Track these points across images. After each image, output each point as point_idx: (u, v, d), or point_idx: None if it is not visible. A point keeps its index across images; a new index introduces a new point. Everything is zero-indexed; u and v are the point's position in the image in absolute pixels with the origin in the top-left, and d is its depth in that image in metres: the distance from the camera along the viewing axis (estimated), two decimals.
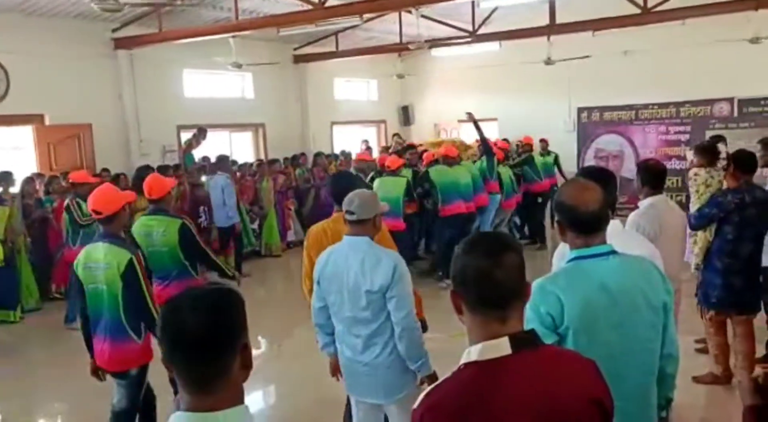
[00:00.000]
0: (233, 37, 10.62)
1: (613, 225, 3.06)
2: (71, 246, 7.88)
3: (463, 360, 1.68)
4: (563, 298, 2.24)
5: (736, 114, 12.97)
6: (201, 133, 11.98)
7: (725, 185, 5.28)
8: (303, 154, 13.83)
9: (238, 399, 1.56)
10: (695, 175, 5.74)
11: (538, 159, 11.60)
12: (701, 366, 5.34)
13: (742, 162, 5.05)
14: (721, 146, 5.99)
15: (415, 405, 1.67)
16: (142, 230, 4.92)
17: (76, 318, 7.91)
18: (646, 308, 2.33)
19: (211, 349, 1.49)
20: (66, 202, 7.87)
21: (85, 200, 7.56)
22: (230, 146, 14.12)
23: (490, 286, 1.65)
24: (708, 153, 5.77)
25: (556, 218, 2.45)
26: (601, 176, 2.93)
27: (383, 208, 3.47)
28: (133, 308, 3.92)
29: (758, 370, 1.81)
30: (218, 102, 13.35)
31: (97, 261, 3.94)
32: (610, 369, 2.02)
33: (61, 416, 5.87)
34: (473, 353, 1.66)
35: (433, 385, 1.70)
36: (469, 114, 9.61)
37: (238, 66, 11.20)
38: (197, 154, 12.20)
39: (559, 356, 1.79)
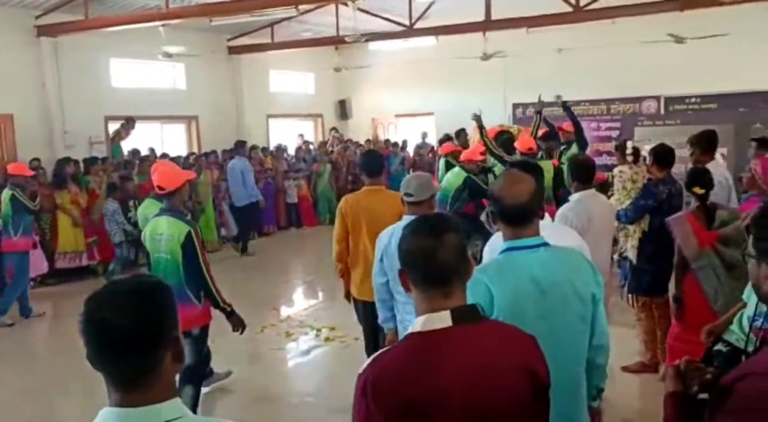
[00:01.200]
0: (163, 25, 10.31)
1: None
2: (12, 236, 7.80)
3: (408, 331, 1.80)
4: (492, 288, 2.29)
5: (662, 111, 13.42)
6: (129, 122, 11.66)
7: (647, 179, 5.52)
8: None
9: (170, 393, 1.48)
10: (620, 172, 5.94)
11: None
12: (633, 355, 5.44)
13: (663, 156, 5.27)
14: (629, 143, 6.33)
15: (360, 371, 1.76)
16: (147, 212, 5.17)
17: (6, 312, 7.68)
18: (575, 299, 2.38)
19: (140, 346, 1.41)
20: (9, 192, 7.78)
21: (23, 190, 7.81)
22: (162, 138, 13.76)
23: (433, 264, 1.76)
24: (625, 152, 6.04)
25: (489, 208, 2.48)
26: (528, 169, 2.95)
27: (437, 189, 3.82)
28: (192, 275, 4.30)
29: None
30: (148, 92, 12.96)
31: (161, 233, 4.33)
32: None
33: None
34: (417, 324, 1.78)
35: (378, 352, 1.80)
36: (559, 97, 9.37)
37: (169, 56, 10.92)
38: (126, 145, 11.87)
39: (498, 329, 1.88)
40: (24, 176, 7.92)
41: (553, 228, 3.18)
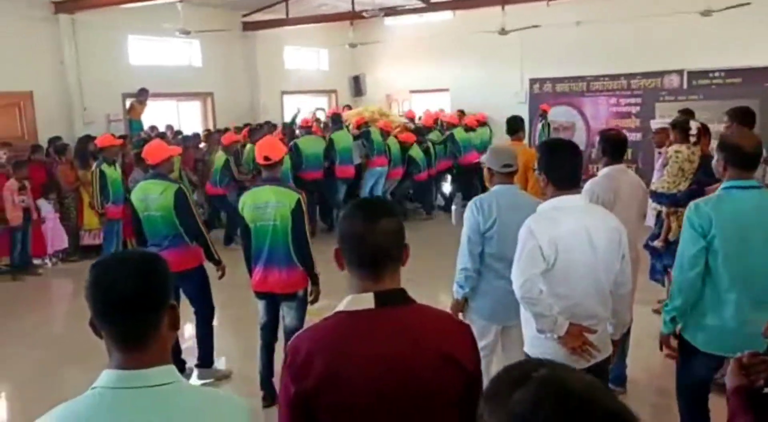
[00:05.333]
0: (180, 1, 10.22)
1: (580, 199, 3.06)
2: (113, 205, 8.43)
3: (336, 309, 1.86)
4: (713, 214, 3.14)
5: (685, 86, 13.21)
6: (142, 93, 11.60)
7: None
8: (259, 125, 13.51)
9: (166, 359, 1.61)
10: (676, 152, 5.73)
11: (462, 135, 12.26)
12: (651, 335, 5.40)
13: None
14: (692, 123, 6.05)
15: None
16: (140, 194, 5.11)
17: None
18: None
19: (141, 304, 1.55)
20: (93, 167, 8.52)
21: (111, 164, 8.42)
22: (178, 116, 13.74)
23: (365, 249, 1.81)
24: (684, 130, 5.82)
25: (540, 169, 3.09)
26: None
27: None
28: (297, 240, 4.53)
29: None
30: (165, 70, 12.91)
31: (267, 201, 4.50)
32: None
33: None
34: (343, 304, 1.84)
35: (308, 326, 1.91)
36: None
37: (186, 32, 10.81)
38: (145, 122, 11.85)
39: (425, 314, 1.89)
40: (114, 146, 8.55)
41: (587, 209, 3.15)
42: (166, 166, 5.23)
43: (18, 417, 5.20)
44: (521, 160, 4.60)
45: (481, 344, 3.67)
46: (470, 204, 3.92)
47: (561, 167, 3.07)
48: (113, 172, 8.40)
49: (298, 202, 4.49)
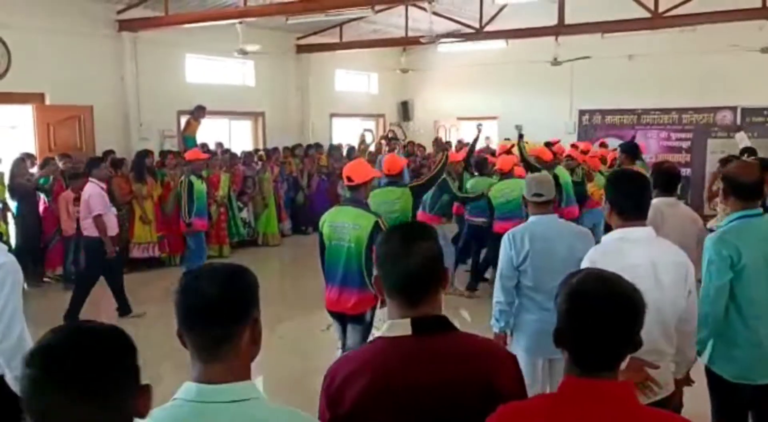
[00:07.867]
0: (240, 23, 10.45)
1: (647, 232, 3.02)
2: (197, 217, 8.25)
3: (374, 335, 1.93)
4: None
5: (739, 123, 13.00)
6: (199, 110, 11.84)
7: None
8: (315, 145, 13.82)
9: (246, 374, 1.60)
10: None
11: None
12: None
13: None
14: (747, 159, 5.91)
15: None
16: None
17: None
18: None
19: (223, 313, 1.55)
20: (186, 179, 8.20)
21: (198, 177, 8.30)
22: (229, 134, 13.98)
23: (401, 272, 1.77)
24: None
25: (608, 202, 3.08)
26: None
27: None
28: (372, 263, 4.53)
29: None
30: (219, 88, 13.16)
31: (344, 221, 4.56)
32: None
33: None
34: (382, 330, 1.82)
35: (347, 352, 1.97)
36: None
37: (245, 53, 11.03)
38: (198, 139, 12.09)
39: (463, 343, 1.82)
40: (200, 159, 8.53)
41: (657, 243, 3.10)
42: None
43: None
44: None
45: (527, 381, 3.65)
46: (504, 237, 3.89)
47: (628, 198, 3.04)
48: (200, 185, 8.34)
49: (376, 224, 4.50)
